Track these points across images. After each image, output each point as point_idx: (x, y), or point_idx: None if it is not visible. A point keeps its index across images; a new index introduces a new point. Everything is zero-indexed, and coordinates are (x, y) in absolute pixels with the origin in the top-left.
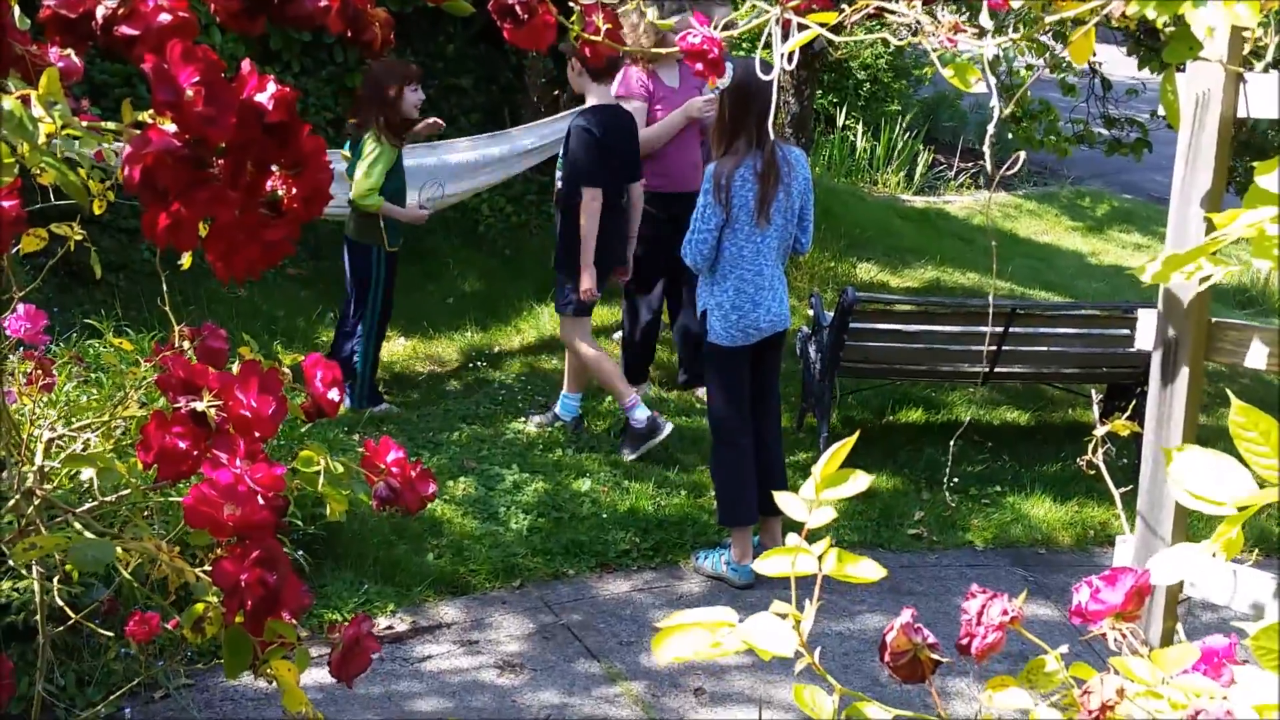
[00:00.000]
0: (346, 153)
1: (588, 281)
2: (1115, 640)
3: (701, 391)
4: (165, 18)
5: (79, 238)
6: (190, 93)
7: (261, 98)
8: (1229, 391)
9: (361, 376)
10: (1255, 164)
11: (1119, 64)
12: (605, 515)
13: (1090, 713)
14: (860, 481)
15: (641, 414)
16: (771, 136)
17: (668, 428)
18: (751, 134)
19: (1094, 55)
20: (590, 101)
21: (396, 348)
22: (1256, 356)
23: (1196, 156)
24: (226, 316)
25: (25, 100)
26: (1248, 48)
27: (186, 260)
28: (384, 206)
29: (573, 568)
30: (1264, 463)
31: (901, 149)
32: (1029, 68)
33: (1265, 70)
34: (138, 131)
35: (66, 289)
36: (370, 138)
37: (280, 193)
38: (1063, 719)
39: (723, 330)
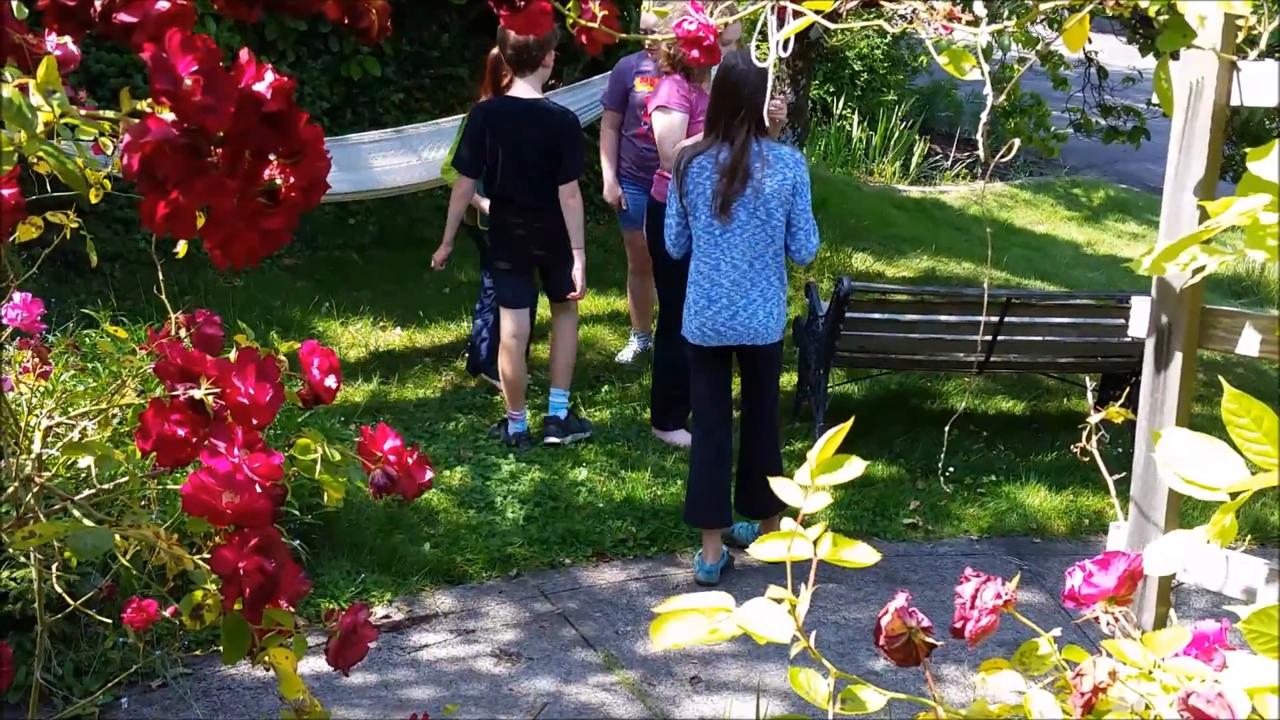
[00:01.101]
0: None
1: (438, 255)
2: (1108, 624)
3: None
4: (164, 5)
5: (75, 225)
6: (189, 81)
7: (260, 87)
8: (1222, 379)
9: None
10: (1249, 150)
11: (1115, 53)
12: (601, 504)
13: (1083, 695)
14: (855, 467)
15: (515, 430)
16: (750, 132)
17: (524, 449)
18: (719, 126)
19: (1089, 43)
20: (510, 92)
21: (393, 337)
22: (1249, 343)
23: (1190, 144)
24: (222, 306)
25: (23, 89)
26: (1241, 35)
27: (182, 248)
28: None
29: (569, 557)
30: (1256, 449)
31: (897, 139)
32: (1021, 60)
33: (1259, 58)
34: (136, 120)
35: (62, 279)
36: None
37: (278, 181)
38: (1056, 701)
39: (686, 321)
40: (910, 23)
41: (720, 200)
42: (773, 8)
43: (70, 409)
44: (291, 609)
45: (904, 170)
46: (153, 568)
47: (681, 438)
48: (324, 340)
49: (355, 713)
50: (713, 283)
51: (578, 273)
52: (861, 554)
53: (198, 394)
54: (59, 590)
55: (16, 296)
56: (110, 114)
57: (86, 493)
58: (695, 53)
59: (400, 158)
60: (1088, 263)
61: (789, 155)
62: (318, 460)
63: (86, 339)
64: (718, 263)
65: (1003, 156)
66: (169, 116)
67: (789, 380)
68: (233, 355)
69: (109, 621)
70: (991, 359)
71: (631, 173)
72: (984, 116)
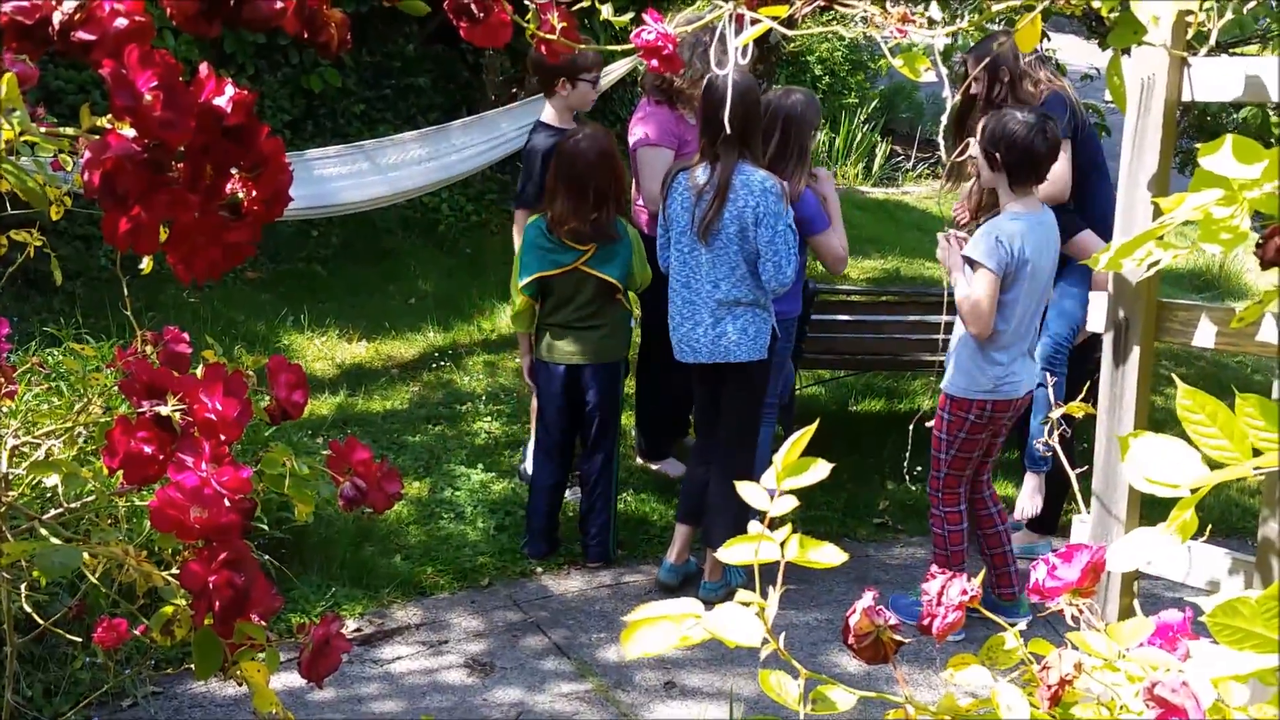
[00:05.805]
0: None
1: None
2: (1072, 616)
3: (654, 465)
4: (122, 22)
5: (38, 243)
6: (149, 97)
7: (220, 101)
8: (1174, 376)
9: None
10: (1200, 146)
11: (1075, 51)
12: (571, 513)
13: (1049, 687)
14: (821, 469)
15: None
16: (738, 154)
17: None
18: (704, 145)
19: (1048, 40)
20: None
21: (359, 350)
22: (1205, 335)
23: (1142, 140)
24: (186, 321)
25: None
26: (1191, 31)
27: (148, 265)
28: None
29: (540, 566)
30: (1213, 444)
31: (859, 141)
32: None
33: (1209, 54)
34: (96, 137)
35: (24, 297)
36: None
37: (240, 195)
38: (1023, 695)
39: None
40: (867, 25)
41: (697, 220)
42: (730, 14)
43: (35, 428)
44: (263, 623)
45: (866, 172)
46: (121, 585)
47: (672, 468)
48: (290, 353)
49: None
50: (684, 300)
51: None
52: (828, 555)
53: (164, 410)
54: (29, 609)
55: None
56: (70, 130)
57: (54, 511)
58: (654, 62)
59: (362, 173)
60: None
61: (757, 184)
62: (286, 475)
63: (50, 357)
64: (687, 280)
65: (959, 156)
66: (129, 132)
67: None
68: (199, 371)
69: (78, 641)
70: None
71: None
72: (944, 118)
